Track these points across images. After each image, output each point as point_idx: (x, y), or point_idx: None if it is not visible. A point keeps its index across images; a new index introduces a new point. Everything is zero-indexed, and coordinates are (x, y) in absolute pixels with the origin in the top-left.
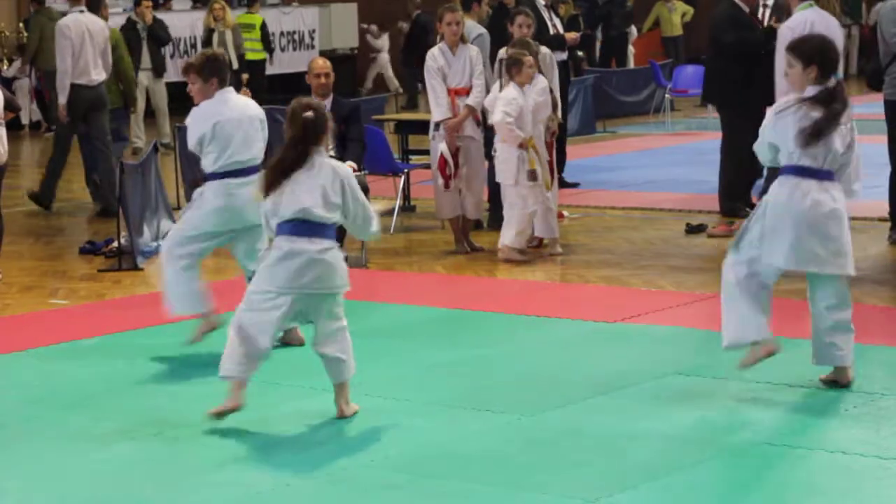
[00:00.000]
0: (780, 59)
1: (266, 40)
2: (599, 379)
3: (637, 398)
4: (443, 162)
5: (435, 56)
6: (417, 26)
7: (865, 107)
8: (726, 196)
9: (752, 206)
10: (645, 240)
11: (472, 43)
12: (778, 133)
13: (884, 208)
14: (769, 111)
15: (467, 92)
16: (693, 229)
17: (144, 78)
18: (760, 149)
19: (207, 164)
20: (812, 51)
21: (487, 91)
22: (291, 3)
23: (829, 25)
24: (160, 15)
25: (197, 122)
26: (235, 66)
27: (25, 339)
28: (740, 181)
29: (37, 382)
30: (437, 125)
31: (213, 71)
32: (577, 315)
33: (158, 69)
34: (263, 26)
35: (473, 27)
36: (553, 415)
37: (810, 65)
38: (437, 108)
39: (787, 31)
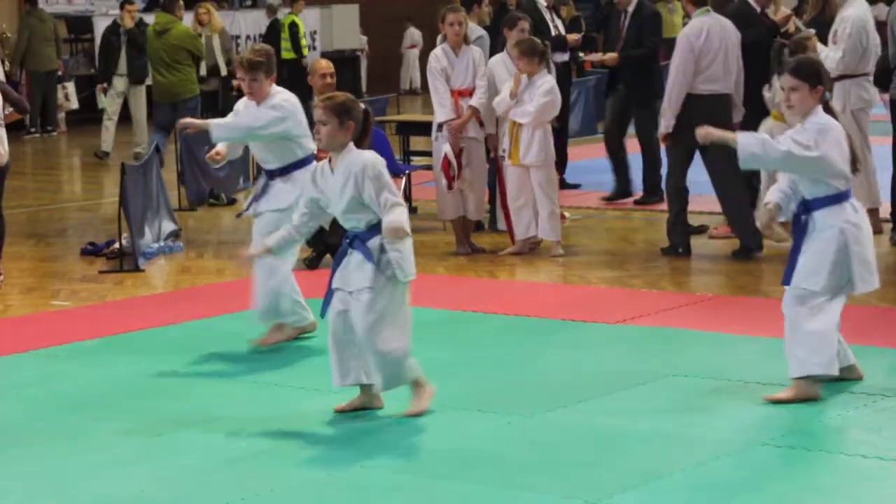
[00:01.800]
0: (682, 65)
1: (293, 40)
2: (600, 380)
3: (638, 399)
4: (446, 163)
5: (438, 57)
6: (272, 31)
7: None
8: None
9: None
10: (646, 241)
11: (473, 44)
12: (840, 158)
13: (885, 209)
14: (818, 141)
15: (470, 93)
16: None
17: (120, 84)
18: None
19: (305, 150)
20: (818, 71)
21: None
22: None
23: (724, 29)
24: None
25: (296, 110)
26: (224, 72)
27: (27, 340)
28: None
29: (38, 383)
30: (441, 126)
31: (273, 67)
32: (579, 316)
33: (137, 76)
34: (291, 26)
35: (474, 28)
36: (554, 415)
37: (817, 85)
38: (441, 108)
39: (684, 38)
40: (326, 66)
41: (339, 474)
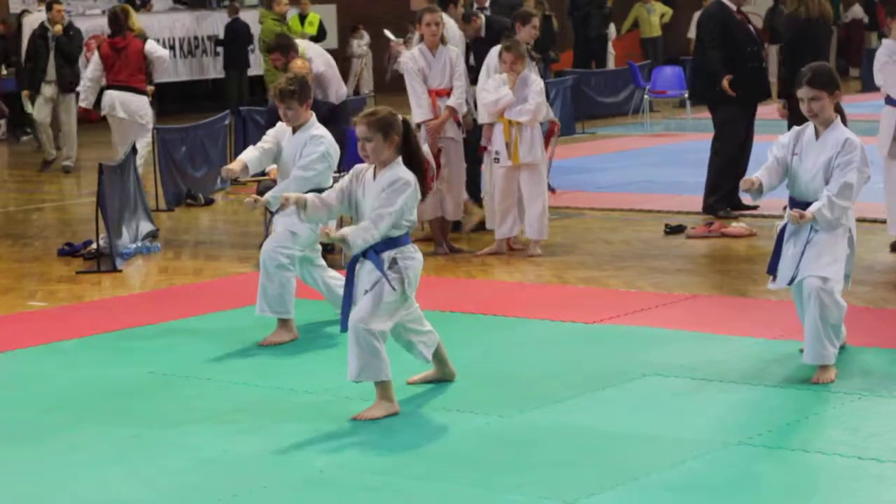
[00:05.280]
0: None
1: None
2: (578, 380)
3: (616, 399)
4: (425, 163)
5: (415, 57)
6: (231, 32)
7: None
8: (710, 193)
9: (736, 208)
10: (623, 241)
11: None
12: None
13: (874, 209)
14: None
15: (448, 93)
16: (672, 230)
17: (49, 90)
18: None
19: (325, 184)
20: (834, 78)
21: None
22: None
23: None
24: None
25: (336, 151)
26: None
27: (3, 341)
28: (727, 180)
29: (15, 385)
30: (419, 126)
31: (308, 94)
32: (556, 316)
33: (65, 84)
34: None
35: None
36: (532, 416)
37: (835, 91)
38: (419, 109)
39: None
40: (301, 66)
41: (315, 475)
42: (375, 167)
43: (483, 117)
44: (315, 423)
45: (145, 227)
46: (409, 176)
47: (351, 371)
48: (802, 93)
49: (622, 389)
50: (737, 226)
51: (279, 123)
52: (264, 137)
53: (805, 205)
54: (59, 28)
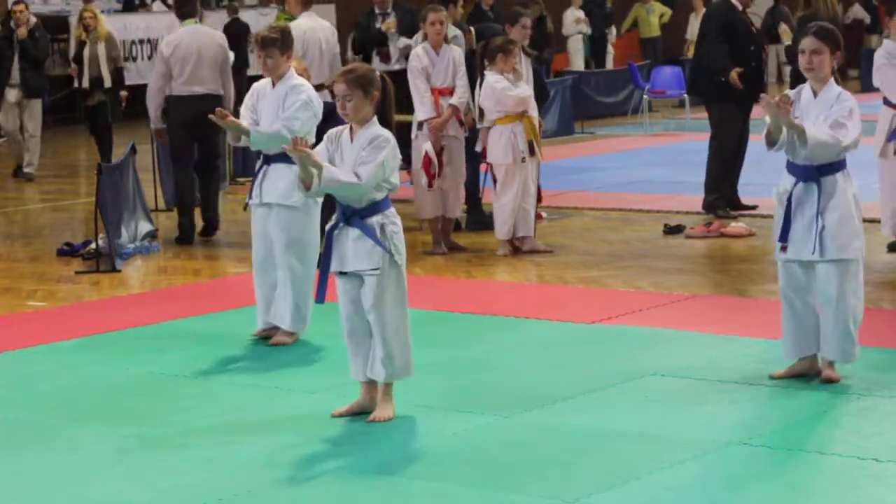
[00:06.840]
0: (154, 71)
1: None
2: (578, 380)
3: (616, 399)
4: (427, 161)
5: (419, 56)
6: (228, 33)
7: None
8: (709, 191)
9: (735, 207)
10: (623, 241)
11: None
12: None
13: (871, 209)
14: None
15: (450, 91)
16: (671, 230)
17: (12, 95)
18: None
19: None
20: (837, 37)
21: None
22: (270, 4)
23: (201, 39)
24: (134, 17)
25: (319, 103)
26: (108, 83)
27: (2, 340)
28: (725, 178)
29: (14, 384)
30: (421, 124)
31: (289, 44)
32: (556, 316)
33: (31, 89)
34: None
35: (449, 28)
36: (531, 416)
37: (836, 50)
38: (422, 107)
39: (160, 49)
40: (296, 65)
41: (315, 475)
42: (352, 128)
43: (487, 120)
44: (315, 422)
45: (144, 227)
46: (388, 134)
47: (384, 373)
48: (805, 44)
49: (622, 389)
50: (736, 226)
51: (251, 90)
52: (242, 114)
53: (805, 169)
54: (23, 30)
